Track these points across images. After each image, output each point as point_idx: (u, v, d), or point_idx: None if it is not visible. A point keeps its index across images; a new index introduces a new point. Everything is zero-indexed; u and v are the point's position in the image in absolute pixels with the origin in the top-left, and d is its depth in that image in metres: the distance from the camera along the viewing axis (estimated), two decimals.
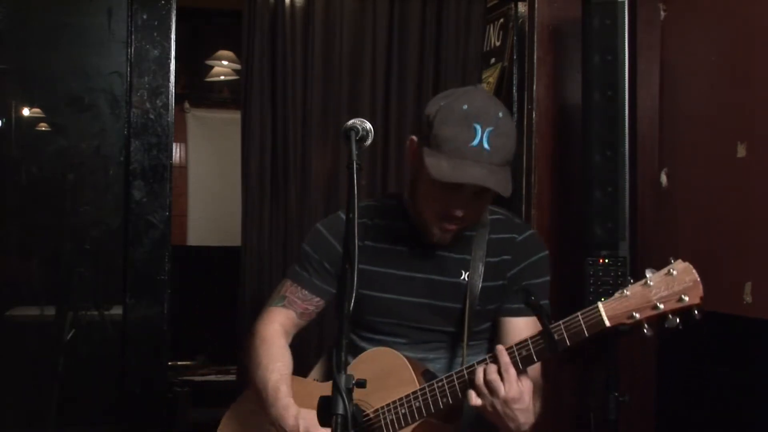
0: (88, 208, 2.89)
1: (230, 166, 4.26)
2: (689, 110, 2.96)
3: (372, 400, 1.82)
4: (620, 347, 2.71)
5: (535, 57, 3.08)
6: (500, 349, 1.67)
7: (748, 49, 2.64)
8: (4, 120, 2.89)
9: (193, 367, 5.02)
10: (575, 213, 2.83)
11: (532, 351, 1.65)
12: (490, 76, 3.51)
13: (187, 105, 6.18)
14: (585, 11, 2.66)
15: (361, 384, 1.44)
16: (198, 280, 5.12)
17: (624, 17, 2.61)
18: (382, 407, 1.81)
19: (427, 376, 1.83)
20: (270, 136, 3.18)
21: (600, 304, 1.59)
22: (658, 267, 1.58)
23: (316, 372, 2.09)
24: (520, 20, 3.22)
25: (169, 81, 2.86)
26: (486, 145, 1.71)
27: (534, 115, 3.07)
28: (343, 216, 1.96)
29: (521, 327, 1.88)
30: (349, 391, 1.40)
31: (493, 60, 3.53)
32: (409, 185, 1.94)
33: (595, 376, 2.88)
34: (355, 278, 1.44)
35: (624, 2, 2.61)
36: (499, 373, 1.65)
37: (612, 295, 1.61)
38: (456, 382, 1.73)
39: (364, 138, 1.58)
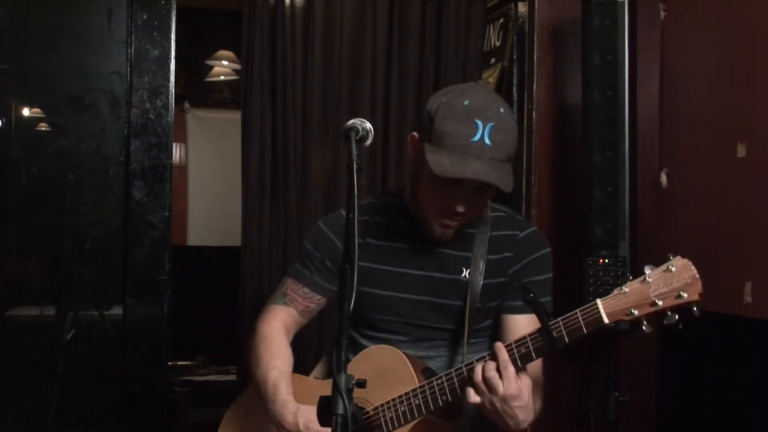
0: (88, 208, 2.89)
1: (230, 166, 4.26)
2: (689, 110, 2.96)
3: (372, 398, 1.82)
4: (620, 347, 2.72)
5: (535, 57, 3.08)
6: (499, 346, 1.67)
7: (748, 49, 2.64)
8: (4, 120, 2.89)
9: (193, 367, 5.02)
10: (575, 213, 2.83)
11: (531, 348, 1.65)
12: (490, 76, 3.51)
13: (187, 105, 6.18)
14: (585, 11, 2.66)
15: (361, 384, 1.44)
16: (198, 280, 5.12)
17: (624, 17, 2.61)
18: (382, 405, 1.81)
19: (427, 373, 1.83)
20: (270, 136, 3.19)
21: (599, 301, 1.59)
22: (657, 265, 1.58)
23: (317, 370, 2.10)
24: (520, 20, 3.22)
25: (169, 81, 2.86)
26: (487, 141, 1.71)
27: (534, 115, 3.07)
28: (345, 214, 1.96)
29: (523, 324, 1.87)
30: (349, 391, 1.40)
31: (493, 60, 3.53)
32: (410, 182, 1.94)
33: (595, 376, 2.88)
34: (355, 278, 1.44)
35: (624, 2, 2.61)
36: (498, 370, 1.65)
37: (613, 291, 1.61)
38: (455, 380, 1.73)
39: (364, 138, 1.58)
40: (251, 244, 3.17)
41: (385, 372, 1.82)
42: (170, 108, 2.87)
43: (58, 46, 2.87)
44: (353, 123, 1.57)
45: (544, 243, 1.97)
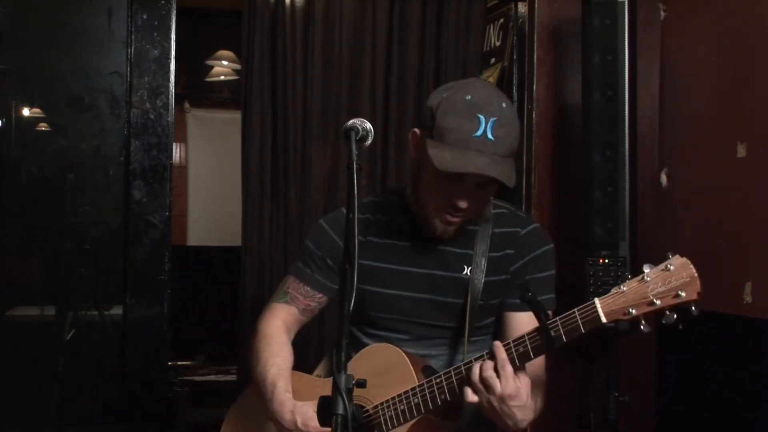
0: (88, 208, 2.89)
1: (230, 166, 4.26)
2: (689, 110, 2.96)
3: (371, 396, 1.82)
4: (620, 347, 2.71)
5: (535, 57, 3.08)
6: (497, 345, 1.67)
7: (748, 49, 2.64)
8: (4, 120, 2.89)
9: (193, 367, 5.02)
10: (575, 213, 2.83)
11: (529, 347, 1.64)
12: (490, 76, 3.50)
13: (187, 105, 6.18)
14: (585, 11, 2.66)
15: (361, 384, 1.44)
16: (198, 280, 5.12)
17: (624, 17, 2.61)
18: (381, 404, 1.81)
19: (427, 372, 1.83)
20: (270, 136, 3.19)
21: (596, 300, 1.59)
22: (656, 265, 1.57)
23: (320, 368, 2.10)
24: (520, 20, 3.22)
25: (169, 81, 2.86)
26: (490, 136, 1.71)
27: (534, 115, 3.07)
28: (346, 212, 1.96)
29: (524, 322, 1.86)
30: (349, 391, 1.40)
31: (493, 60, 3.53)
32: (411, 178, 1.94)
33: (595, 376, 2.88)
34: (355, 278, 1.44)
35: (624, 2, 2.61)
36: (496, 369, 1.65)
37: (611, 291, 1.60)
38: (454, 379, 1.73)
39: (364, 138, 1.58)
40: (251, 244, 3.17)
41: (385, 370, 1.82)
42: (170, 108, 2.87)
43: (58, 46, 2.88)
44: (353, 123, 1.57)
45: (547, 240, 1.97)
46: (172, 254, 2.86)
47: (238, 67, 5.55)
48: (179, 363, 4.92)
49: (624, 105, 2.62)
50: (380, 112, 3.25)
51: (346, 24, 3.24)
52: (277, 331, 1.96)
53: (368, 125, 1.59)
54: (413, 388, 1.78)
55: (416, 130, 1.85)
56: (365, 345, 1.94)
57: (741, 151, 2.63)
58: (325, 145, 3.22)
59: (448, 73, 3.28)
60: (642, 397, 3.00)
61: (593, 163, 2.64)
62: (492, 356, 1.67)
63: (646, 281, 1.55)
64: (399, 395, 1.79)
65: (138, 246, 2.83)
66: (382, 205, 1.99)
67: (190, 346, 4.99)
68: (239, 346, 3.19)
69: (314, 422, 1.71)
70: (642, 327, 1.57)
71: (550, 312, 1.84)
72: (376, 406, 1.82)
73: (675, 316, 1.54)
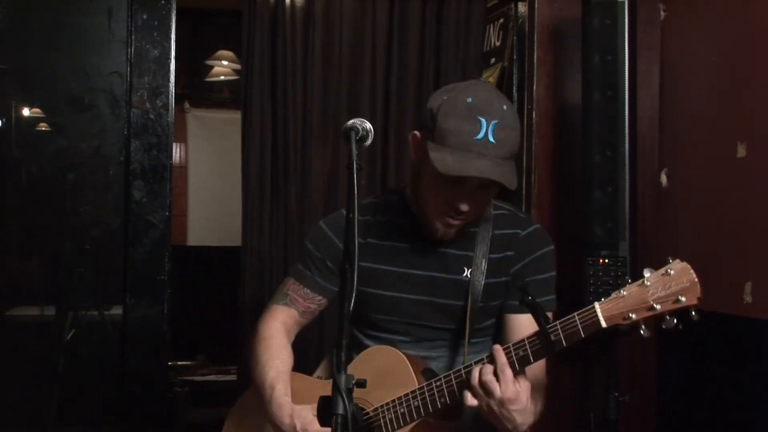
0: (88, 208, 2.89)
1: (230, 166, 4.26)
2: (689, 110, 2.96)
3: (372, 399, 1.82)
4: (620, 347, 2.71)
5: (535, 57, 3.08)
6: (497, 349, 1.66)
7: (748, 49, 2.64)
8: (4, 120, 2.89)
9: (193, 367, 5.02)
10: (575, 213, 2.83)
11: (529, 351, 1.64)
12: (490, 76, 3.50)
13: (187, 105, 6.18)
14: (585, 11, 2.66)
15: (361, 384, 1.44)
16: (198, 280, 5.12)
17: (624, 17, 2.61)
18: (382, 406, 1.81)
19: (427, 374, 1.83)
20: (270, 136, 3.19)
21: (596, 305, 1.58)
22: (657, 267, 1.57)
23: (321, 370, 2.10)
24: (520, 20, 3.22)
25: (169, 81, 2.86)
26: (491, 138, 1.71)
27: (534, 115, 3.07)
28: (346, 213, 1.96)
29: (525, 324, 1.86)
30: (349, 391, 1.40)
31: (493, 60, 3.53)
32: (411, 180, 1.94)
33: (595, 376, 2.88)
34: (355, 278, 1.44)
35: (624, 2, 2.61)
36: (495, 373, 1.65)
37: (611, 295, 1.60)
38: (454, 382, 1.73)
39: (364, 138, 1.58)
40: (251, 244, 3.17)
41: (386, 373, 1.82)
42: (170, 108, 2.87)
43: (58, 46, 2.88)
44: (353, 123, 1.57)
45: (547, 241, 1.97)
46: (172, 254, 2.86)
47: (238, 67, 5.55)
48: (179, 363, 4.92)
49: (624, 105, 2.61)
50: (380, 112, 3.25)
51: (346, 24, 3.24)
52: (277, 333, 1.96)
53: (368, 125, 1.59)
54: (413, 391, 1.77)
55: (416, 132, 1.84)
56: (366, 346, 1.94)
57: (741, 151, 2.63)
58: (325, 145, 3.22)
59: (448, 73, 3.28)
60: (642, 397, 3.00)
61: (593, 163, 2.64)
62: (492, 360, 1.66)
63: (646, 286, 1.55)
64: (399, 398, 1.79)
65: (138, 246, 2.83)
66: (382, 206, 1.99)
67: (190, 346, 4.99)
68: (239, 346, 3.19)
69: (313, 426, 1.71)
70: (642, 332, 1.57)
71: (550, 314, 1.84)
72: (376, 409, 1.82)
73: (675, 320, 1.54)
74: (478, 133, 1.70)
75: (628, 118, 2.62)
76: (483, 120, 1.71)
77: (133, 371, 2.84)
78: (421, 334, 1.94)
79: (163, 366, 2.91)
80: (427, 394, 1.76)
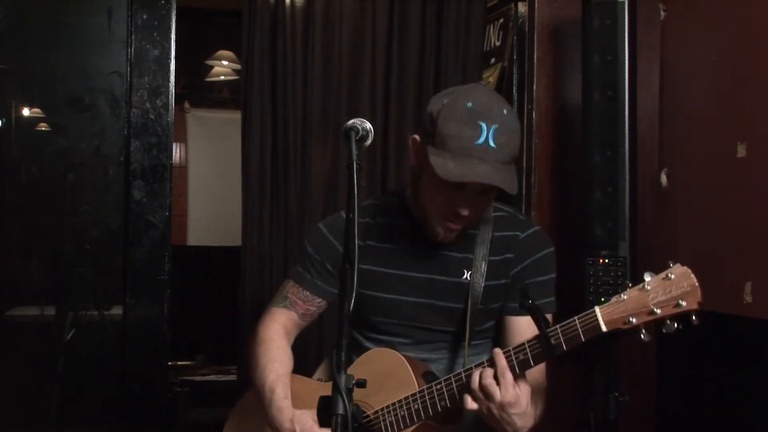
0: (88, 208, 2.89)
1: (230, 166, 4.26)
2: (689, 110, 2.96)
3: (372, 402, 1.82)
4: (620, 348, 2.71)
5: (535, 57, 3.08)
6: (497, 352, 1.66)
7: (748, 49, 2.64)
8: (4, 120, 2.89)
9: (193, 367, 5.02)
10: (575, 213, 2.83)
11: (529, 355, 1.64)
12: (490, 76, 3.51)
13: (187, 105, 6.18)
14: (585, 11, 2.66)
15: (361, 384, 1.44)
16: (198, 280, 5.12)
17: (624, 17, 2.61)
18: (382, 409, 1.81)
19: (427, 377, 1.83)
20: (270, 136, 3.18)
21: (597, 309, 1.58)
22: (657, 267, 1.57)
23: (320, 372, 2.09)
24: (520, 20, 3.22)
25: (169, 81, 2.86)
26: (492, 143, 1.70)
27: (534, 115, 3.07)
28: (345, 215, 1.95)
29: (525, 326, 1.87)
30: (349, 391, 1.40)
31: (493, 60, 3.53)
32: (411, 183, 1.93)
33: (595, 376, 2.88)
34: (355, 278, 1.44)
35: (624, 2, 2.61)
36: (496, 377, 1.64)
37: (611, 295, 1.60)
38: (454, 386, 1.73)
39: (364, 138, 1.58)
40: (251, 244, 3.17)
41: (386, 375, 1.82)
42: (170, 108, 2.87)
43: (58, 46, 2.87)
44: (353, 123, 1.57)
45: (546, 243, 1.96)
46: (172, 254, 2.86)
47: (238, 67, 5.55)
48: (179, 363, 4.92)
49: (624, 105, 2.62)
50: (380, 112, 3.25)
51: (346, 24, 3.24)
52: (277, 335, 1.96)
53: (368, 125, 1.59)
54: (413, 394, 1.77)
55: (416, 136, 1.83)
56: (366, 348, 1.94)
57: (741, 151, 2.63)
58: (325, 145, 3.22)
59: (448, 73, 3.28)
60: (642, 397, 3.00)
61: (593, 163, 2.64)
62: (492, 363, 1.66)
63: (647, 290, 1.55)
64: (399, 401, 1.79)
65: (138, 246, 2.82)
66: (381, 208, 1.99)
67: (190, 346, 4.99)
68: (239, 346, 3.19)
69: (314, 431, 1.71)
70: (642, 336, 1.57)
71: (550, 316, 1.84)
72: (376, 412, 1.82)
73: (676, 325, 1.54)
74: (479, 137, 1.70)
75: (628, 118, 2.62)
76: (483, 125, 1.70)
77: (133, 371, 2.83)
78: (421, 336, 1.94)
79: (163, 366, 2.90)
80: (427, 397, 1.76)
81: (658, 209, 3.05)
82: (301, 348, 2.07)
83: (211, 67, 5.95)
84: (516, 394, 1.63)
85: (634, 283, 1.58)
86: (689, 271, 1.54)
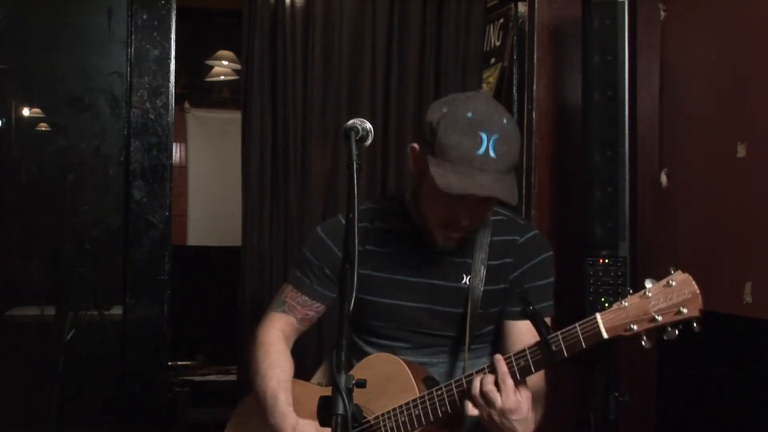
0: (88, 208, 2.89)
1: (230, 166, 4.26)
2: (689, 110, 2.96)
3: (373, 407, 1.82)
4: (620, 348, 2.71)
5: (535, 57, 3.08)
6: (498, 358, 1.66)
7: (748, 49, 2.64)
8: (4, 120, 2.89)
9: (193, 367, 5.02)
10: (575, 213, 2.83)
11: (530, 362, 1.64)
12: (490, 76, 3.51)
13: (187, 105, 6.18)
14: (585, 11, 2.66)
15: (361, 384, 1.44)
16: (198, 280, 5.12)
17: (624, 17, 2.61)
18: (382, 414, 1.81)
19: (428, 382, 1.83)
20: (270, 136, 3.18)
21: (598, 315, 1.58)
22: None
23: (320, 375, 2.09)
24: (520, 20, 3.22)
25: (169, 81, 2.86)
26: (492, 153, 1.69)
27: (534, 115, 3.07)
28: (343, 220, 1.94)
29: (524, 330, 1.86)
30: (349, 391, 1.40)
31: (493, 60, 3.53)
32: (412, 190, 1.93)
33: (596, 376, 2.88)
34: (355, 278, 1.44)
35: (624, 2, 2.61)
36: (497, 383, 1.64)
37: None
38: (455, 391, 1.73)
39: (364, 138, 1.58)
40: (251, 244, 3.17)
41: (386, 380, 1.82)
42: (170, 108, 2.87)
43: (58, 46, 2.87)
44: (353, 123, 1.57)
45: (545, 247, 1.96)
46: (172, 254, 2.86)
47: (238, 67, 5.55)
48: (179, 363, 4.92)
49: (624, 105, 2.62)
50: (380, 112, 3.25)
51: (346, 24, 3.24)
52: (276, 340, 1.96)
53: (368, 125, 1.58)
54: (414, 400, 1.77)
55: (415, 145, 1.81)
56: (365, 353, 1.94)
57: (741, 151, 2.63)
58: (325, 145, 3.22)
59: (448, 73, 3.28)
60: (642, 397, 3.00)
61: (593, 163, 2.64)
62: (493, 370, 1.66)
63: (648, 297, 1.55)
64: (400, 406, 1.79)
65: (138, 246, 2.82)
66: (380, 212, 1.98)
67: (190, 346, 4.99)
68: (239, 346, 3.19)
69: None
70: (643, 343, 1.57)
71: (548, 319, 1.85)
72: (377, 417, 1.82)
73: (677, 332, 1.54)
74: (479, 148, 1.68)
75: (628, 118, 2.62)
76: (484, 135, 1.69)
77: (133, 371, 2.83)
78: (421, 340, 1.93)
79: (163, 366, 2.90)
80: (428, 402, 1.76)
81: (658, 209, 3.05)
82: (299, 352, 2.07)
83: (211, 67, 5.95)
84: (517, 401, 1.63)
85: (635, 289, 1.58)
86: (690, 278, 1.54)
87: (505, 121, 1.73)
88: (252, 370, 1.93)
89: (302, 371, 2.04)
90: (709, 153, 2.82)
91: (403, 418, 1.78)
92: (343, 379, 1.39)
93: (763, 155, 2.56)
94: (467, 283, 1.88)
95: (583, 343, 1.59)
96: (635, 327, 1.55)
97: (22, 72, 2.89)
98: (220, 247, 5.40)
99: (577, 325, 1.60)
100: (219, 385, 4.68)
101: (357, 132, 1.56)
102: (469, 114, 1.71)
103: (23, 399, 2.89)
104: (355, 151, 1.52)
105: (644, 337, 1.57)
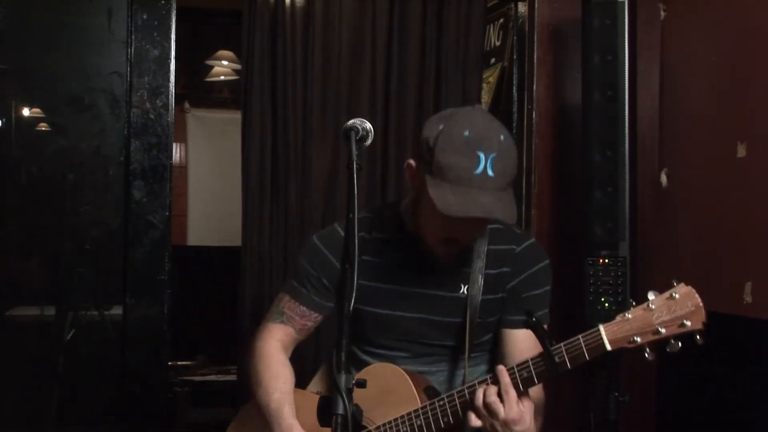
0: (88, 208, 2.89)
1: (230, 166, 4.26)
2: (689, 110, 2.96)
3: (374, 417, 1.82)
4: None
5: (535, 57, 3.08)
6: (501, 369, 1.66)
7: (748, 49, 2.64)
8: (4, 120, 2.89)
9: (193, 367, 5.02)
10: (575, 213, 2.83)
11: (533, 373, 1.64)
12: (490, 76, 3.51)
13: (187, 105, 6.18)
14: (585, 11, 2.66)
15: (361, 384, 1.44)
16: (198, 280, 5.12)
17: (624, 17, 2.61)
18: (384, 424, 1.81)
19: (429, 392, 1.83)
20: (270, 136, 3.18)
21: (601, 327, 1.58)
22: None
23: (317, 383, 2.09)
24: (520, 20, 3.22)
25: (169, 81, 2.86)
26: (490, 172, 1.67)
27: (534, 115, 3.07)
28: (340, 230, 1.94)
29: (522, 339, 1.87)
30: (349, 391, 1.40)
31: (493, 60, 3.54)
32: (409, 202, 1.91)
33: (596, 376, 2.88)
34: (355, 278, 1.44)
35: (624, 2, 2.61)
36: (499, 394, 1.65)
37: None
38: (457, 402, 1.73)
39: (364, 138, 1.58)
40: (251, 244, 3.16)
41: (387, 391, 1.82)
42: (170, 108, 2.87)
43: (58, 46, 2.87)
44: (353, 123, 1.57)
45: (542, 256, 1.96)
46: (172, 254, 2.86)
47: (238, 67, 5.55)
48: (179, 363, 4.92)
49: (624, 105, 2.62)
50: (380, 112, 3.25)
51: (346, 24, 3.23)
52: (275, 350, 1.95)
53: (368, 125, 1.58)
54: (416, 410, 1.77)
55: (412, 162, 1.79)
56: (365, 363, 1.94)
57: (741, 151, 2.63)
58: (325, 145, 3.22)
59: (448, 73, 3.27)
60: (642, 397, 3.00)
61: (593, 163, 2.64)
62: (495, 380, 1.66)
63: (651, 309, 1.55)
64: (402, 416, 1.79)
65: (138, 246, 2.82)
66: (377, 221, 1.97)
67: (190, 346, 4.99)
68: (239, 346, 3.19)
69: None
70: (646, 355, 1.57)
71: (545, 326, 1.85)
72: (378, 427, 1.82)
73: (680, 344, 1.54)
74: (477, 167, 1.67)
75: (628, 118, 2.62)
76: (482, 154, 1.67)
77: (133, 371, 2.83)
78: (420, 350, 1.93)
79: (163, 366, 2.90)
80: (430, 413, 1.76)
81: (658, 209, 3.05)
82: (297, 361, 2.06)
83: (211, 67, 5.95)
84: (520, 411, 1.64)
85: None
86: (693, 290, 1.54)
87: (502, 137, 1.71)
88: (253, 381, 1.93)
89: (300, 379, 2.03)
90: (709, 153, 2.82)
91: (405, 429, 1.78)
92: (343, 379, 1.39)
93: (763, 155, 2.56)
94: (465, 292, 1.88)
95: (587, 355, 1.59)
96: (639, 339, 1.55)
97: (22, 72, 2.89)
98: (220, 247, 5.40)
99: (580, 336, 1.60)
100: (219, 385, 4.68)
101: (357, 132, 1.56)
102: (466, 132, 1.68)
103: (23, 399, 2.89)
104: (355, 151, 1.52)
105: (647, 350, 1.57)
